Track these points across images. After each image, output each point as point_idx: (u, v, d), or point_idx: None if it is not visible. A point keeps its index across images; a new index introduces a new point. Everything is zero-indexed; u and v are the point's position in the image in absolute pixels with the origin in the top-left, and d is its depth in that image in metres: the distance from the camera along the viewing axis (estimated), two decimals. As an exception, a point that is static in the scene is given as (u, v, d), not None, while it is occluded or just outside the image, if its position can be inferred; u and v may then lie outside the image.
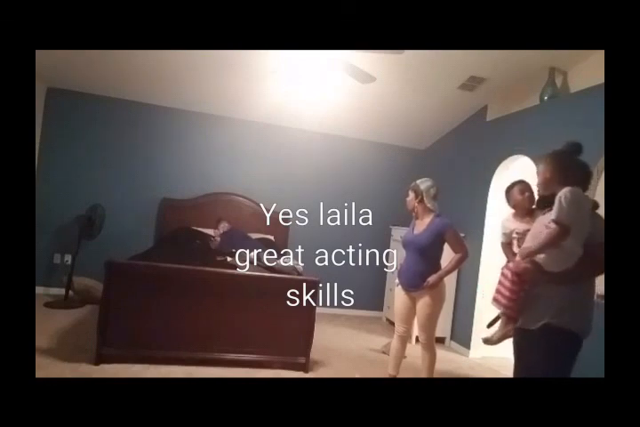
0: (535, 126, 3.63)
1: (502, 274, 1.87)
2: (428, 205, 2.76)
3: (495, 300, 1.87)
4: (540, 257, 1.75)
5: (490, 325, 2.09)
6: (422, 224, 2.78)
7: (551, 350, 1.73)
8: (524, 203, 2.40)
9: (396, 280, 2.91)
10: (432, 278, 2.65)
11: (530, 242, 1.84)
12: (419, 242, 2.73)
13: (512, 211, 2.49)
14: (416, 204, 2.79)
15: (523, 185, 2.46)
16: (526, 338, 1.81)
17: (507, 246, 2.41)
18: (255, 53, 3.57)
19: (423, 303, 2.70)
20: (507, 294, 1.82)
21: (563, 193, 1.71)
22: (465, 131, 4.76)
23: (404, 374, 2.94)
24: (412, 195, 2.81)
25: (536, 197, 2.18)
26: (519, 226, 2.32)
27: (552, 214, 1.72)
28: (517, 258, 1.86)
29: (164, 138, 4.90)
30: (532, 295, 1.79)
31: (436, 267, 2.73)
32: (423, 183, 2.78)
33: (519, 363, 1.89)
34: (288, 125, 5.16)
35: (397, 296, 2.89)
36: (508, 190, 2.52)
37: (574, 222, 1.69)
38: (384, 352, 3.77)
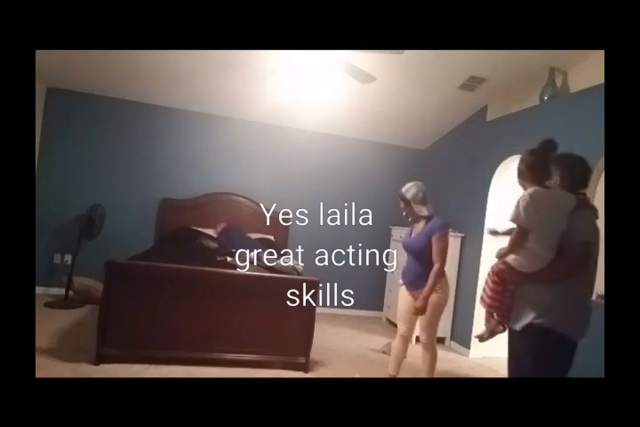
0: (535, 126, 3.63)
1: (487, 274, 1.92)
2: (416, 210, 2.75)
3: (481, 299, 1.94)
4: (511, 258, 1.79)
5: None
6: (418, 227, 2.80)
7: (536, 351, 1.73)
8: None
9: (400, 280, 2.91)
10: (418, 303, 2.62)
11: None
12: (414, 245, 2.76)
13: None
14: (408, 211, 2.80)
15: None
16: (513, 338, 1.83)
17: None
18: (255, 53, 3.57)
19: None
20: (489, 293, 1.86)
21: (522, 195, 1.74)
22: (465, 131, 4.76)
23: (404, 374, 2.94)
24: (401, 203, 2.81)
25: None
26: None
27: (510, 215, 1.75)
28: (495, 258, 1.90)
29: (164, 138, 4.90)
30: (517, 296, 1.81)
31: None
32: (408, 191, 2.75)
33: (510, 363, 1.89)
34: (288, 125, 5.16)
35: (401, 296, 2.89)
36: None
37: (535, 224, 1.70)
38: (384, 352, 3.77)
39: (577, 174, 1.81)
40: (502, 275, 1.82)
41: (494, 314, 1.90)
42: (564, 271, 1.70)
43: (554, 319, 1.70)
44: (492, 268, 1.88)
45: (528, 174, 1.82)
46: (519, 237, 1.74)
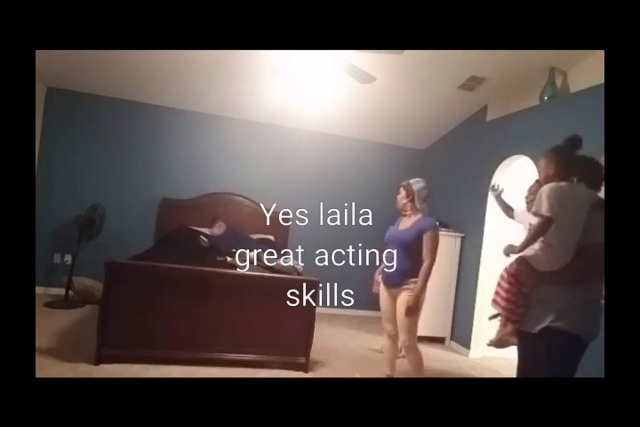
0: (535, 126, 3.63)
1: (500, 276, 1.87)
2: (417, 206, 2.75)
3: (494, 301, 1.88)
4: (530, 256, 1.74)
5: (491, 317, 2.06)
6: (408, 222, 2.76)
7: (552, 354, 1.71)
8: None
9: (378, 278, 2.87)
10: (411, 302, 2.58)
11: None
12: (403, 238, 2.69)
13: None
14: (406, 203, 2.77)
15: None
16: (528, 341, 1.80)
17: None
18: (255, 53, 3.57)
19: (401, 302, 2.65)
20: (504, 295, 1.81)
21: (544, 187, 1.71)
22: (465, 131, 4.76)
23: (403, 374, 2.94)
24: (403, 193, 2.78)
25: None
26: (533, 220, 2.26)
27: (535, 206, 1.71)
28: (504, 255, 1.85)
29: (164, 138, 4.90)
30: (533, 298, 1.78)
31: (419, 264, 2.64)
32: (416, 184, 2.76)
33: (522, 365, 1.87)
34: (288, 125, 5.16)
35: (381, 295, 2.85)
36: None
37: (558, 217, 1.67)
38: (383, 352, 3.77)
39: (597, 176, 1.80)
40: (519, 275, 1.77)
41: (510, 319, 1.83)
42: (586, 272, 1.67)
43: (571, 322, 1.68)
44: (507, 269, 1.83)
45: (552, 170, 1.78)
46: (541, 227, 1.68)
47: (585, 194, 1.74)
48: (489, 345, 1.95)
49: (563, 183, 1.72)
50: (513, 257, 1.91)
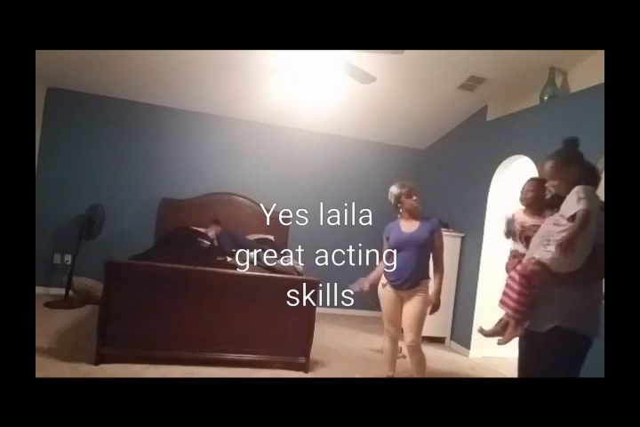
0: (535, 126, 3.63)
1: (510, 277, 1.80)
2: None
3: (503, 303, 1.81)
4: (548, 258, 1.70)
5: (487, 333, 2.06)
6: (413, 224, 2.80)
7: (560, 354, 1.69)
8: (535, 199, 2.24)
9: (383, 280, 2.87)
10: (435, 300, 2.70)
11: (537, 244, 1.79)
12: (418, 239, 2.72)
13: (522, 208, 2.34)
14: (418, 205, 2.85)
15: (534, 182, 2.31)
16: (534, 340, 1.78)
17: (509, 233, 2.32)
18: (255, 53, 3.57)
19: (412, 304, 2.69)
20: (515, 297, 1.75)
21: (578, 188, 1.66)
22: (465, 131, 4.76)
23: (403, 374, 2.93)
24: (417, 197, 2.86)
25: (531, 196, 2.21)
26: (528, 220, 2.24)
27: (570, 209, 1.65)
28: (527, 259, 1.80)
29: (164, 138, 4.90)
30: (541, 297, 1.75)
31: (428, 265, 2.78)
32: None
33: (525, 365, 1.85)
34: (288, 125, 5.16)
35: (386, 297, 2.85)
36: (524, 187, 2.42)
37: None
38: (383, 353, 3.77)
39: (597, 175, 1.79)
40: (532, 277, 1.72)
41: (519, 320, 1.78)
42: (600, 272, 1.64)
43: (579, 322, 1.67)
44: (519, 271, 1.76)
45: (574, 175, 1.73)
46: (584, 221, 1.60)
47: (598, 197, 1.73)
48: (500, 344, 1.94)
49: (587, 186, 1.70)
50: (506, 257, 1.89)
